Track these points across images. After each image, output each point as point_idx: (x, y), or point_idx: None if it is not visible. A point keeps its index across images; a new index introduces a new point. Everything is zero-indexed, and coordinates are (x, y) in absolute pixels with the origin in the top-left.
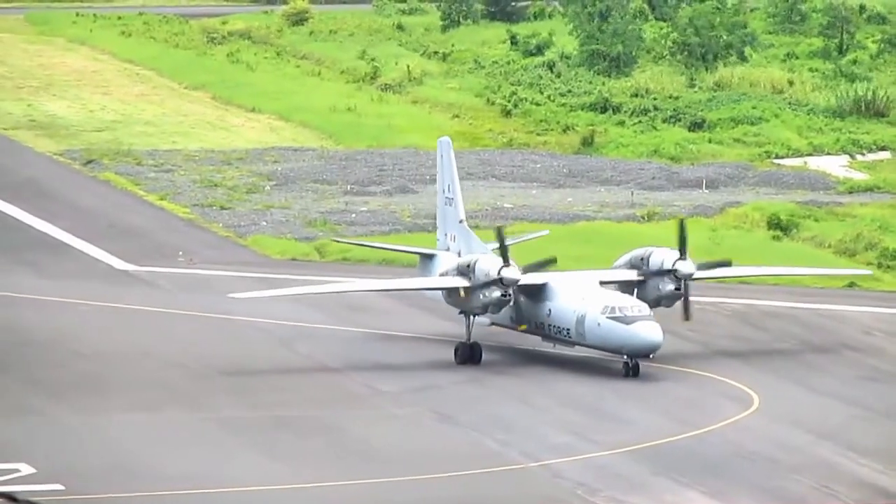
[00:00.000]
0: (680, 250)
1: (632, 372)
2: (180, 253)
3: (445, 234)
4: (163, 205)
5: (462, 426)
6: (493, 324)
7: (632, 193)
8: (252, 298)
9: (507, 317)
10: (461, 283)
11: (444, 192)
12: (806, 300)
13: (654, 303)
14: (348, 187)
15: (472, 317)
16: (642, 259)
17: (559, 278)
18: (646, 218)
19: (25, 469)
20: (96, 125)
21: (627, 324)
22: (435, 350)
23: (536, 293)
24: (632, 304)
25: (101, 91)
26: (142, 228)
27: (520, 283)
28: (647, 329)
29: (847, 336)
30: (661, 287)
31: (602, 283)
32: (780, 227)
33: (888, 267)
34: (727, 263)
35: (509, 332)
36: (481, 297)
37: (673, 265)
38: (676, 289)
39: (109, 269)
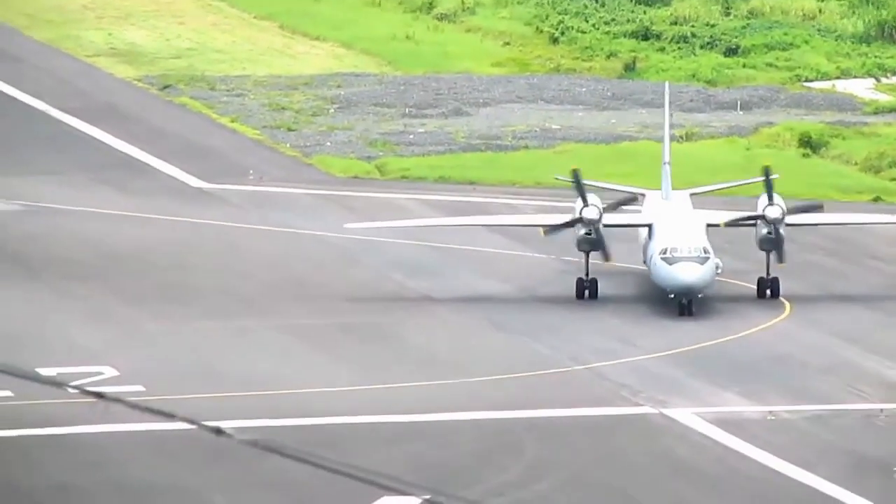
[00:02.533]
0: (768, 196)
1: (686, 311)
2: (251, 172)
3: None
4: (234, 127)
5: (514, 333)
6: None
7: (672, 115)
8: (367, 228)
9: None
10: (544, 221)
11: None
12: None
13: (760, 245)
14: (406, 110)
15: (587, 254)
16: (757, 203)
17: (667, 219)
18: (684, 138)
19: (109, 372)
20: (172, 53)
21: (670, 264)
22: (491, 262)
23: (650, 233)
24: (687, 246)
25: (177, 21)
26: (215, 149)
27: (601, 221)
28: (683, 270)
29: (873, 248)
30: (759, 232)
31: (709, 225)
32: (810, 145)
33: None
34: (818, 207)
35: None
36: (576, 235)
37: (763, 211)
38: (768, 233)
39: (185, 187)
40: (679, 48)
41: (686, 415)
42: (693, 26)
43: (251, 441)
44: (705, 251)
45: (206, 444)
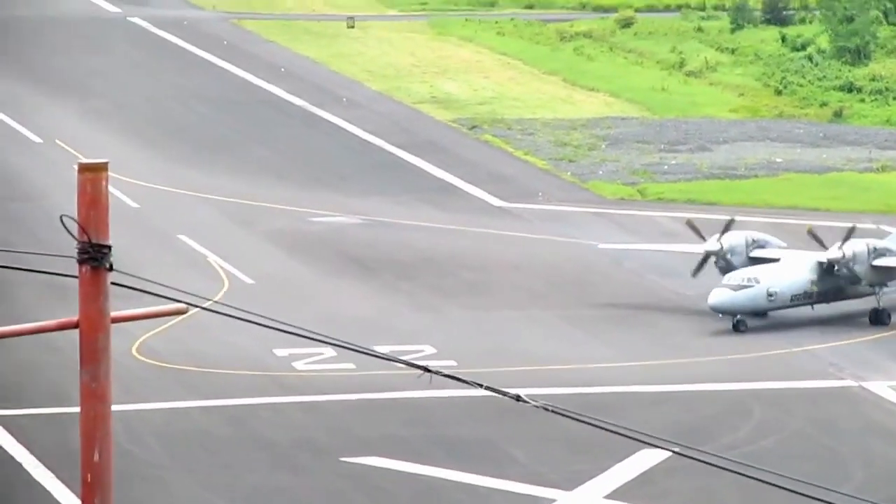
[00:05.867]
0: (822, 247)
1: (736, 328)
2: (539, 194)
3: None
4: (527, 158)
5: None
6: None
7: (870, 152)
8: (617, 249)
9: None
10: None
11: None
12: None
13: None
14: (661, 146)
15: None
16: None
17: (790, 256)
18: (881, 169)
19: (428, 349)
20: (479, 100)
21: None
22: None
23: None
24: (742, 276)
25: (483, 76)
26: (511, 175)
27: (724, 250)
28: (714, 293)
29: None
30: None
31: (820, 262)
32: None
33: None
34: (852, 229)
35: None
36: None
37: (826, 258)
38: (837, 270)
39: (488, 206)
40: (875, 99)
41: (881, 387)
42: (887, 82)
43: (542, 405)
44: (748, 280)
45: (506, 408)
